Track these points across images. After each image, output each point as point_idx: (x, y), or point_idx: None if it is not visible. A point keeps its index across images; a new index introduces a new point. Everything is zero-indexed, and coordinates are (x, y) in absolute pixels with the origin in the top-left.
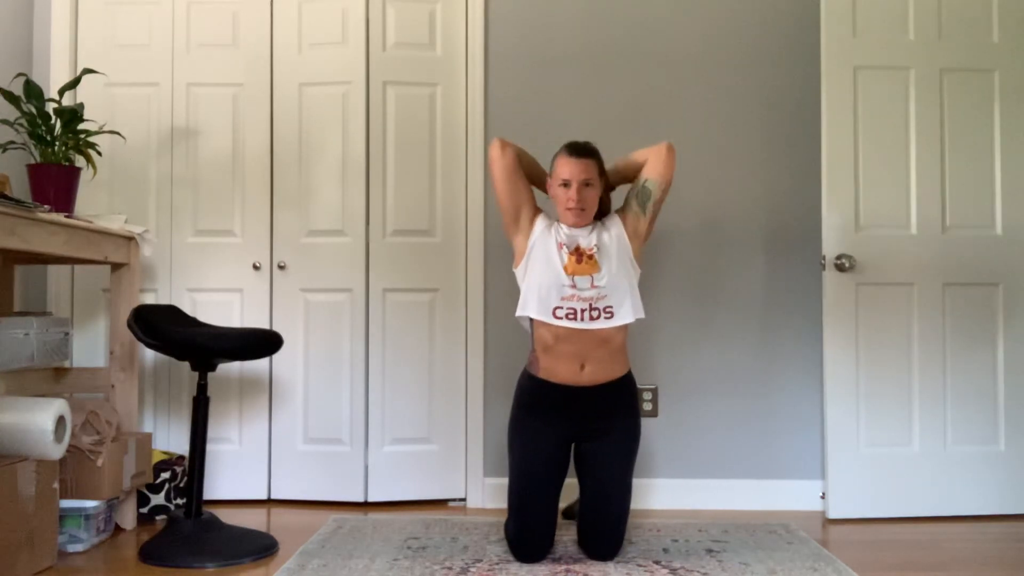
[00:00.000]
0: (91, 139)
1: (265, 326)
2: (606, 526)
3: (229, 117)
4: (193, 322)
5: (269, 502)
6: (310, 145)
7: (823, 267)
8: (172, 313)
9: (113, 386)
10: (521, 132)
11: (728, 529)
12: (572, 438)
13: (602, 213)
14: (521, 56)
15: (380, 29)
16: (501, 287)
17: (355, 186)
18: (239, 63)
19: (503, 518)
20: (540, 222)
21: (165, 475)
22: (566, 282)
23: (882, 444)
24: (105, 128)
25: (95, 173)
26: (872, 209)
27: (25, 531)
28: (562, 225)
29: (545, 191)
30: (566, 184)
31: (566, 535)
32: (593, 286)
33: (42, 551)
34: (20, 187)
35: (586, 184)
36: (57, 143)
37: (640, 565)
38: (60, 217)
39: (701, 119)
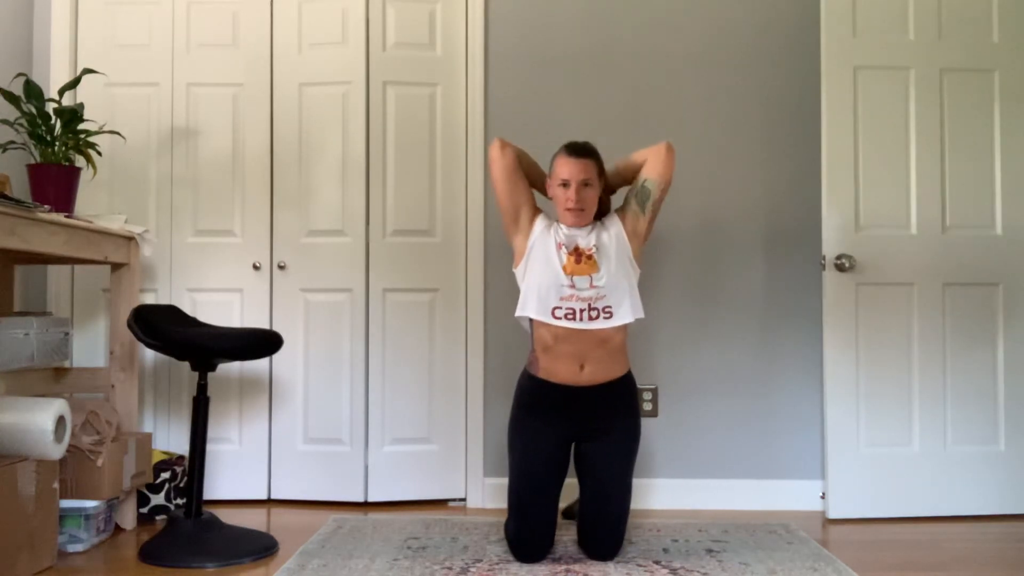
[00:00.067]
0: (91, 139)
1: (265, 326)
2: (606, 526)
3: (229, 117)
4: (193, 322)
5: (269, 502)
6: (310, 145)
7: (823, 267)
8: (172, 313)
9: (113, 386)
10: (521, 132)
11: (728, 529)
12: (572, 438)
13: (601, 213)
14: (521, 56)
15: (380, 29)
16: (501, 287)
17: (355, 186)
18: (239, 63)
19: (503, 518)
20: (540, 222)
21: (165, 475)
22: (565, 282)
23: (882, 444)
24: (105, 128)
25: (95, 173)
26: (872, 209)
27: (25, 531)
28: (561, 225)
29: (544, 193)
30: (565, 184)
31: (566, 535)
32: (592, 286)
33: (42, 551)
34: (20, 187)
35: (585, 184)
36: (57, 143)
37: (640, 565)
38: (60, 217)
39: (701, 119)
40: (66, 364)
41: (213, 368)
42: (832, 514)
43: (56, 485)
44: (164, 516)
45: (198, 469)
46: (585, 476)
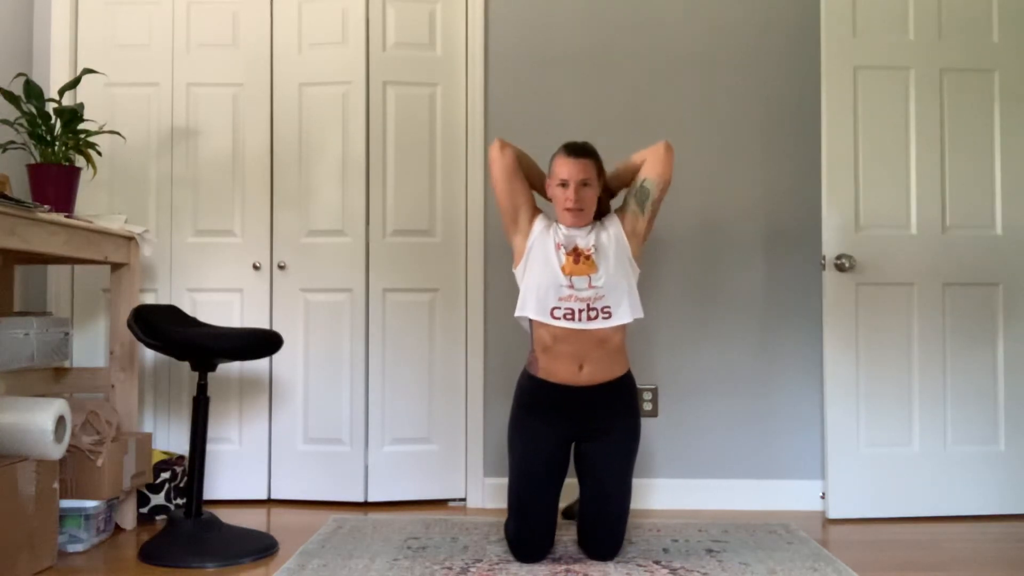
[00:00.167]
0: (91, 139)
1: (265, 326)
2: (606, 526)
3: (229, 117)
4: (193, 322)
5: (269, 502)
6: (310, 145)
7: (823, 267)
8: (172, 313)
9: (113, 386)
10: (521, 132)
11: (728, 529)
12: (572, 438)
13: (601, 213)
14: (521, 56)
15: (380, 29)
16: (501, 287)
17: (355, 186)
18: (239, 63)
19: (503, 518)
20: (539, 222)
21: (165, 475)
22: (564, 282)
23: (882, 444)
24: (105, 128)
25: (95, 173)
26: (872, 209)
27: (25, 531)
28: (561, 225)
29: (544, 193)
30: (564, 184)
31: (566, 535)
32: (591, 286)
33: (42, 551)
34: (20, 187)
35: (584, 184)
36: (57, 143)
37: (640, 565)
38: (60, 217)
39: (701, 119)
40: (66, 364)
41: (213, 368)
42: (832, 514)
43: (56, 485)
44: (164, 516)
45: (198, 469)
46: (585, 476)
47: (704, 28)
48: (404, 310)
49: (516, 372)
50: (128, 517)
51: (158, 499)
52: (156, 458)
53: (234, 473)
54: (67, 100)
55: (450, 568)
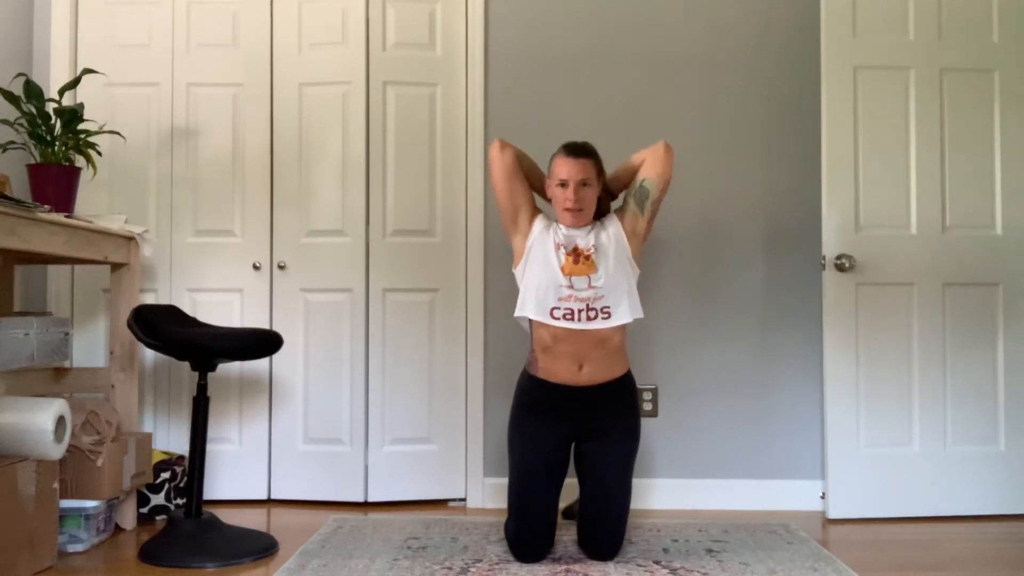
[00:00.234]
0: (91, 139)
1: (265, 326)
2: (606, 526)
3: (229, 117)
4: (193, 322)
5: (269, 502)
6: (310, 145)
7: (823, 267)
8: (172, 313)
9: (113, 386)
10: (521, 132)
11: (728, 529)
12: (572, 438)
13: (601, 214)
14: (521, 56)
15: (380, 29)
16: (501, 287)
17: (355, 186)
18: (239, 63)
19: (503, 518)
20: (539, 223)
21: (165, 475)
22: (563, 283)
23: (882, 444)
24: (105, 128)
25: (95, 173)
26: (872, 209)
27: (25, 531)
28: (560, 225)
29: (544, 194)
30: (563, 184)
31: (566, 535)
32: (590, 286)
33: (42, 551)
34: (20, 187)
35: (583, 184)
36: (57, 143)
37: (640, 565)
38: (60, 217)
39: (701, 119)
40: (66, 364)
41: (213, 368)
42: (832, 514)
43: (56, 485)
44: (164, 516)
45: (198, 469)
46: (585, 476)
47: (704, 28)
48: (404, 310)
49: (516, 372)
50: (128, 517)
51: (158, 499)
52: (156, 458)
53: (234, 473)
54: (67, 100)
55: (450, 568)
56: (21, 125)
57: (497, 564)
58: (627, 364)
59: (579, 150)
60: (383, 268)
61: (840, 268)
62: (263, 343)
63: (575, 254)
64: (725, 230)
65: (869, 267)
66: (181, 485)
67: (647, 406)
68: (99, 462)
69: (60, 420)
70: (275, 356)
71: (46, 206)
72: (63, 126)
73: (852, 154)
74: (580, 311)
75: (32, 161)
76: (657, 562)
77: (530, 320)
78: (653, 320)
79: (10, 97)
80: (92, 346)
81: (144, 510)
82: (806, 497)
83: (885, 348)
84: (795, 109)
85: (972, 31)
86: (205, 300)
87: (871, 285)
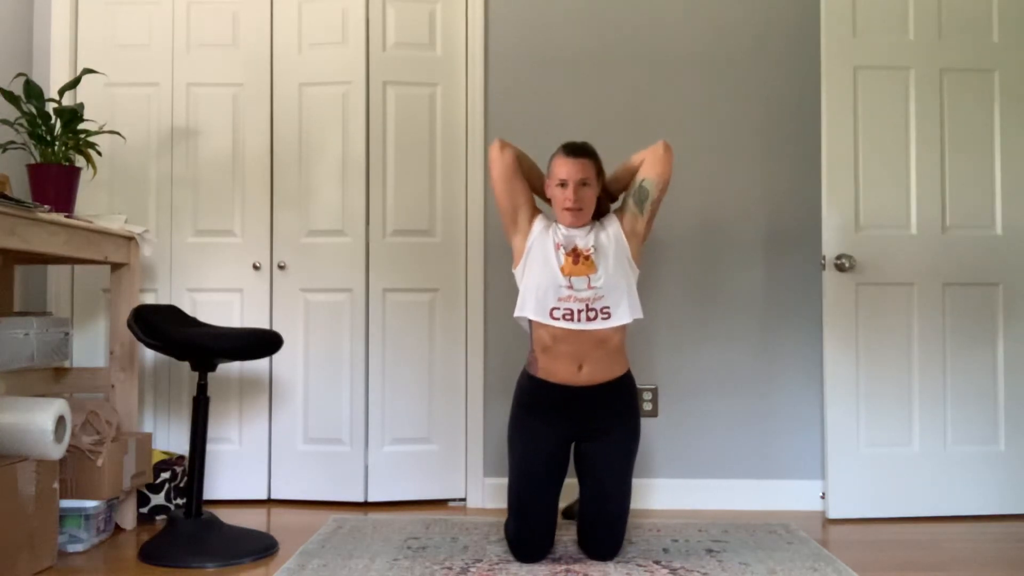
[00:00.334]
0: (91, 139)
1: (265, 326)
2: (606, 526)
3: (229, 117)
4: (193, 322)
5: (269, 502)
6: (310, 145)
7: (823, 267)
8: (172, 313)
9: (113, 386)
10: (521, 132)
11: (728, 529)
12: (572, 438)
13: (600, 214)
14: (521, 56)
15: (380, 29)
16: (501, 287)
17: (355, 186)
18: (239, 63)
19: (503, 518)
20: (538, 223)
21: (165, 475)
22: (563, 283)
23: (882, 444)
24: (105, 128)
25: (95, 173)
26: (872, 209)
27: (25, 531)
28: (560, 226)
29: (543, 195)
30: (563, 184)
31: (566, 535)
32: (590, 287)
33: (42, 551)
34: (20, 187)
35: (583, 184)
36: (57, 143)
37: (640, 565)
38: (60, 217)
39: (701, 119)
40: (66, 364)
41: (213, 368)
42: (832, 514)
43: (56, 485)
44: (164, 516)
45: (198, 469)
46: (585, 476)
47: (704, 28)
48: (404, 310)
49: (516, 372)
50: (128, 517)
51: (158, 499)
52: (156, 458)
53: (234, 473)
54: (67, 100)
55: (450, 568)
56: (21, 125)
57: (497, 564)
58: (627, 364)
59: (578, 150)
60: (383, 268)
61: (840, 268)
62: (263, 343)
63: (575, 254)
64: (725, 230)
65: (869, 267)
66: (181, 485)
67: (647, 406)
68: (99, 462)
69: (60, 420)
70: (275, 356)
71: (46, 206)
72: (63, 126)
73: (852, 154)
74: (580, 311)
75: (32, 161)
76: (657, 562)
77: (530, 320)
78: (653, 320)
79: (10, 97)
80: (92, 346)
81: (144, 510)
82: (806, 497)
83: (885, 348)
84: (795, 109)
85: (972, 31)
86: (205, 300)
87: (871, 285)
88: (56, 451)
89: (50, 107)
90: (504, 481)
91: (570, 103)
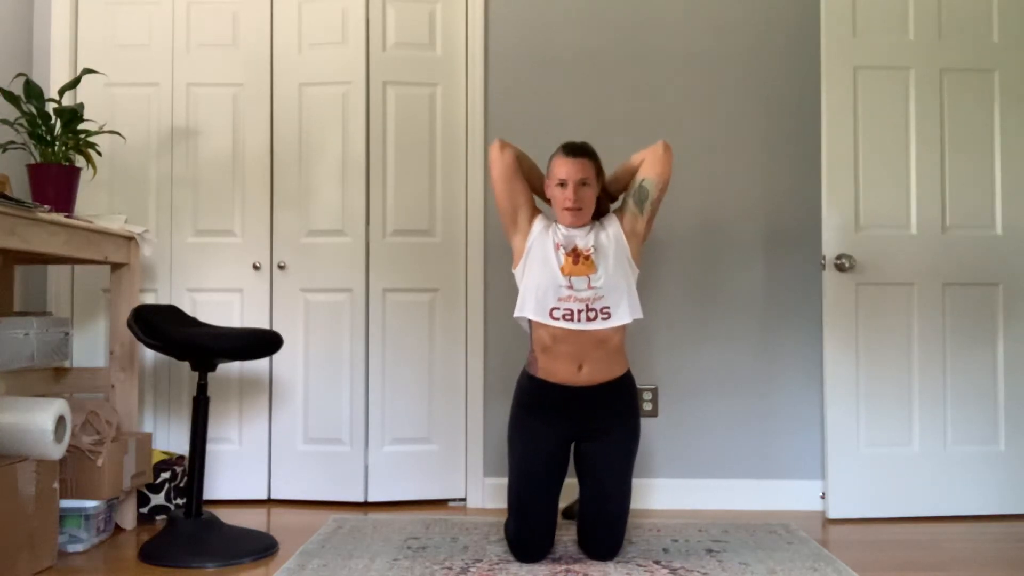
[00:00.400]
0: (91, 139)
1: (265, 326)
2: (606, 526)
3: (229, 117)
4: (193, 322)
5: (269, 502)
6: (310, 145)
7: (823, 267)
8: (172, 313)
9: (113, 386)
10: (521, 132)
11: (728, 529)
12: (572, 438)
13: (600, 214)
14: (521, 56)
15: (380, 29)
16: (501, 287)
17: (355, 186)
18: (239, 63)
19: (503, 518)
20: (538, 223)
21: (165, 475)
22: (563, 283)
23: (882, 444)
24: (105, 128)
25: (95, 173)
26: (872, 209)
27: (25, 531)
28: (560, 226)
29: (543, 195)
30: (563, 184)
31: (566, 535)
32: (590, 287)
33: (42, 551)
34: (20, 187)
35: (583, 184)
36: (57, 143)
37: (640, 565)
38: (60, 217)
39: (701, 119)
40: (66, 364)
41: (213, 368)
42: (832, 514)
43: (56, 485)
44: (164, 516)
45: (198, 469)
46: (585, 476)
47: (704, 28)
48: (404, 310)
49: (516, 372)
50: (128, 517)
51: (158, 499)
52: (156, 458)
53: (234, 473)
54: (67, 100)
55: (450, 568)
56: (21, 125)
57: (497, 564)
58: (627, 364)
59: (578, 150)
60: (383, 268)
61: (840, 268)
62: (263, 343)
63: (574, 254)
64: (725, 230)
65: (869, 267)
66: (181, 485)
67: (647, 406)
68: (99, 462)
69: (60, 420)
70: (275, 356)
71: (46, 206)
72: (63, 126)
73: (852, 154)
74: (580, 311)
75: (32, 161)
76: (657, 562)
77: (530, 320)
78: (653, 320)
79: (10, 97)
80: (92, 346)
81: (144, 510)
82: (806, 497)
83: (885, 348)
84: (795, 109)
85: (972, 31)
86: (205, 300)
87: (871, 285)
88: (56, 451)
89: (50, 107)
90: (504, 481)
91: (570, 103)
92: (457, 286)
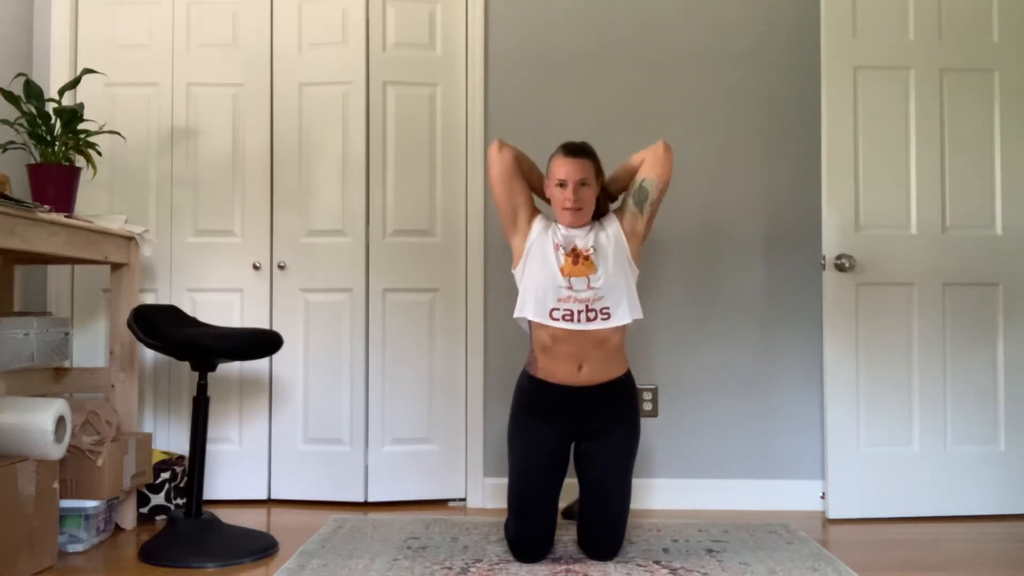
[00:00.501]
0: (91, 139)
1: (265, 326)
2: (606, 526)
3: (229, 117)
4: (193, 322)
5: (269, 502)
6: (310, 145)
7: (823, 267)
8: (172, 313)
9: (113, 386)
10: (521, 132)
11: (728, 529)
12: (572, 438)
13: (600, 214)
14: (521, 56)
15: (380, 29)
16: (501, 287)
17: (355, 186)
18: (239, 63)
19: (503, 518)
20: (538, 223)
21: (165, 475)
22: (562, 283)
23: (882, 444)
24: (105, 128)
25: (95, 173)
26: (872, 209)
27: (25, 531)
28: (559, 226)
29: (543, 195)
30: (562, 184)
31: (566, 535)
32: (590, 287)
33: (42, 551)
34: (20, 187)
35: (582, 184)
36: (57, 143)
37: (640, 565)
38: (60, 217)
39: (701, 119)
40: (66, 364)
41: (213, 368)
42: (832, 514)
43: (56, 485)
44: (164, 516)
45: (198, 469)
46: (585, 476)
47: (704, 28)
48: (404, 310)
49: (516, 372)
50: (128, 517)
51: (158, 499)
52: (156, 458)
53: (234, 473)
54: (67, 100)
55: (450, 568)
56: (21, 125)
57: (497, 564)
58: (626, 364)
59: (577, 150)
60: (383, 268)
61: (840, 268)
62: (263, 343)
63: (574, 255)
64: (725, 230)
65: (869, 267)
66: (181, 485)
67: (647, 406)
68: (99, 462)
69: (60, 420)
70: (275, 356)
71: (46, 206)
72: (63, 126)
73: (852, 154)
74: (579, 312)
75: (32, 161)
76: (657, 562)
77: (529, 321)
78: (653, 320)
79: (10, 97)
80: (92, 346)
81: (144, 510)
82: (806, 497)
83: (885, 348)
84: (795, 109)
85: (972, 31)
86: (205, 300)
87: (871, 285)
88: (56, 451)
89: (50, 107)
90: (504, 481)
91: (570, 103)
92: (457, 286)
